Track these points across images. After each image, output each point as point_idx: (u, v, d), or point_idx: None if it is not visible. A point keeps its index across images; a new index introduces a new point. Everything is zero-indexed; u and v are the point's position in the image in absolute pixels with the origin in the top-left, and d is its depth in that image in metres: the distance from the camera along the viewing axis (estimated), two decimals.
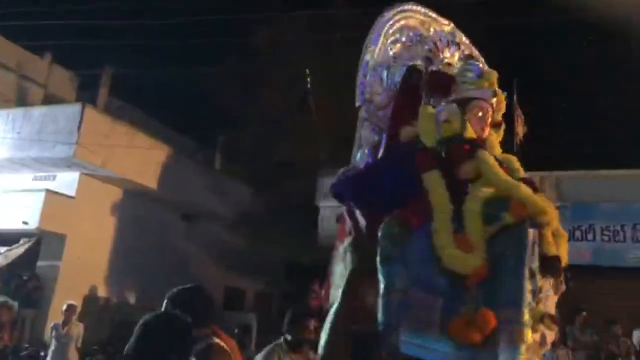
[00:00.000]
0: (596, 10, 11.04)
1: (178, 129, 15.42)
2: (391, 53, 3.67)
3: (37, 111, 11.35)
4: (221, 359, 2.72)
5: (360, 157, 3.48)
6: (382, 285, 2.64)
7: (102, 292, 11.45)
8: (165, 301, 2.82)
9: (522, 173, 3.13)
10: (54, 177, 11.32)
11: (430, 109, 3.18)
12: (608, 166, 10.59)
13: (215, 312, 3.13)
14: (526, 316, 2.58)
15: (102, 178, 11.42)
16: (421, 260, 2.70)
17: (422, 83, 3.43)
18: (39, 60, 14.22)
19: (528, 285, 2.63)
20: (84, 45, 13.77)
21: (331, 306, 2.91)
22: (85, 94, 14.02)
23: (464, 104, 3.19)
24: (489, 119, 3.22)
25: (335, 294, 2.92)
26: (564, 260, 2.83)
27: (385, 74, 3.62)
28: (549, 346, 2.59)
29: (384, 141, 3.42)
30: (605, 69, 14.05)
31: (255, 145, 14.76)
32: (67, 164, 10.80)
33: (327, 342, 2.59)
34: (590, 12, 11.37)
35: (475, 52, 3.80)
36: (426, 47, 3.64)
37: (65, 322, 7.90)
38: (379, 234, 2.79)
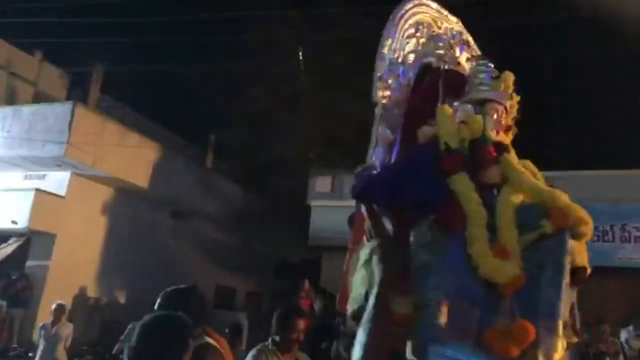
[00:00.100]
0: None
1: (169, 127, 15.36)
2: (407, 48, 3.60)
3: (27, 109, 11.27)
4: (215, 358, 2.70)
5: (375, 155, 3.39)
6: (418, 296, 2.53)
7: (91, 292, 11.39)
8: (158, 300, 2.81)
9: (540, 177, 3.06)
10: (44, 176, 11.25)
11: (449, 109, 3.09)
12: (597, 166, 10.64)
13: (208, 312, 3.11)
14: (561, 328, 2.50)
15: (92, 177, 11.36)
16: (458, 270, 2.59)
17: (438, 82, 3.34)
18: (29, 58, 14.11)
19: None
20: (74, 43, 13.69)
21: (354, 314, 2.84)
22: (76, 92, 13.94)
23: (479, 105, 3.09)
24: (503, 122, 3.14)
25: (356, 299, 2.85)
26: (589, 270, 2.77)
27: (401, 70, 3.56)
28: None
29: (397, 139, 3.34)
30: (596, 68, 14.09)
31: (247, 144, 14.74)
32: (58, 163, 10.73)
33: (364, 357, 2.54)
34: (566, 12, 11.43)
35: (478, 53, 3.75)
36: (440, 44, 3.58)
37: (55, 322, 7.85)
38: (412, 240, 2.67)
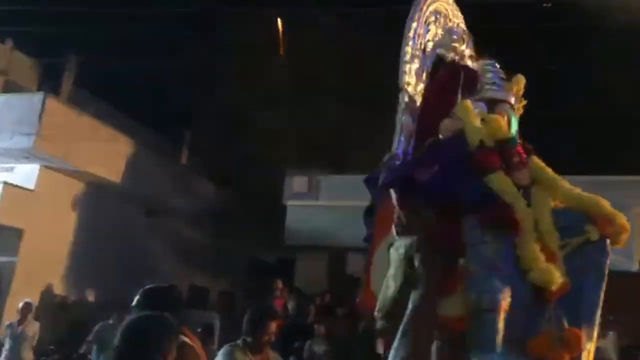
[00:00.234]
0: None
1: (144, 123, 15.11)
2: (427, 36, 3.52)
3: None
4: (192, 358, 2.71)
5: (399, 144, 3.27)
6: (475, 299, 2.44)
7: (59, 290, 11.12)
8: (136, 298, 2.78)
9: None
10: (12, 169, 10.94)
11: (470, 105, 3.02)
12: (582, 172, 10.71)
13: (184, 311, 3.08)
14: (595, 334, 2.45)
15: (63, 171, 11.09)
16: (511, 273, 2.51)
17: (453, 75, 3.26)
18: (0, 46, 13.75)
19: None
20: (48, 33, 13.36)
21: (385, 311, 2.72)
22: (49, 84, 13.60)
23: (491, 104, 3.04)
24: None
25: (386, 296, 2.72)
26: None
27: (422, 57, 3.47)
28: None
29: (415, 130, 3.22)
30: (582, 71, 14.14)
31: (223, 141, 14.59)
32: (26, 155, 10.44)
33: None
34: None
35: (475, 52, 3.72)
36: (454, 36, 3.52)
37: (21, 321, 7.67)
38: (468, 239, 2.57)
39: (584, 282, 2.56)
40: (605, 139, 12.81)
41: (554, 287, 2.49)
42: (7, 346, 7.58)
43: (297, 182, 12.72)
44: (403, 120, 3.26)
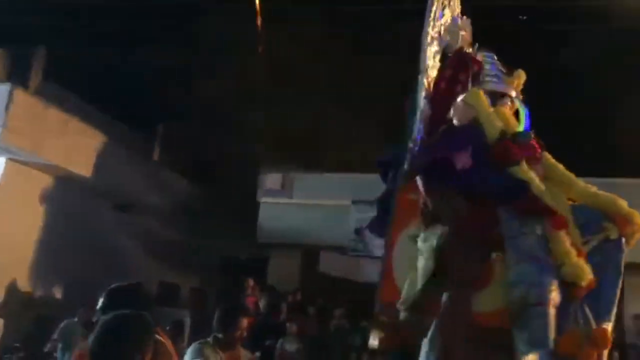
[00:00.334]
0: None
1: (116, 116, 14.84)
2: (442, 20, 3.45)
3: None
4: (165, 358, 2.68)
5: (417, 130, 3.17)
6: (521, 294, 2.40)
7: (25, 286, 10.84)
8: (102, 300, 2.73)
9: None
10: None
11: (483, 94, 2.98)
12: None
13: (153, 309, 3.02)
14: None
15: (30, 164, 10.82)
16: (549, 267, 2.48)
17: (461, 62, 3.20)
18: None
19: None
20: (17, 24, 13.02)
21: (410, 303, 2.63)
22: (17, 75, 13.25)
23: (492, 96, 3.02)
24: None
25: (412, 287, 2.63)
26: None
27: (439, 40, 3.39)
28: None
29: (428, 115, 3.10)
30: (565, 74, 14.28)
31: (197, 137, 14.44)
32: None
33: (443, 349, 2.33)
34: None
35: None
36: (459, 22, 3.47)
37: None
38: (508, 231, 2.53)
39: (603, 279, 2.57)
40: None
41: (584, 283, 2.48)
42: None
43: (271, 180, 12.68)
44: (421, 105, 3.14)
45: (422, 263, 2.68)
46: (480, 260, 2.60)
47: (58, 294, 11.57)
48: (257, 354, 7.95)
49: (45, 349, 8.18)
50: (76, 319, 7.58)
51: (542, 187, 2.72)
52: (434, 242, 2.70)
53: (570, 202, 2.83)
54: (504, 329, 2.45)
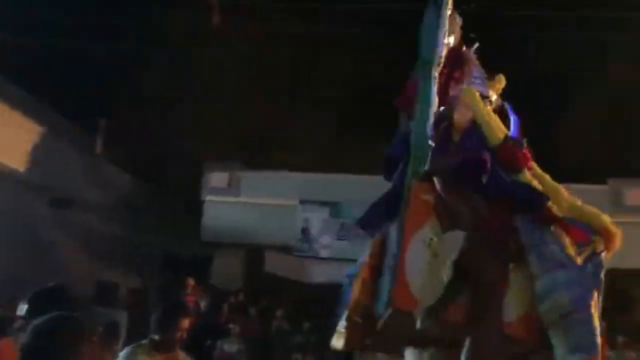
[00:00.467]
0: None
1: (56, 108, 14.30)
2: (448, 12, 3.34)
3: None
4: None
5: (429, 125, 3.00)
6: (553, 303, 2.41)
7: None
8: (25, 308, 2.77)
9: None
10: None
11: (477, 94, 2.93)
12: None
13: (88, 310, 2.90)
14: None
15: None
16: (578, 271, 2.55)
17: (463, 60, 3.10)
18: None
19: None
20: None
21: (423, 309, 2.51)
22: None
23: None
24: None
25: (432, 295, 2.51)
26: None
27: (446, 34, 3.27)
28: None
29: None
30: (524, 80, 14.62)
31: (141, 132, 14.08)
32: None
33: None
34: None
35: None
36: (458, 19, 3.37)
37: None
38: (530, 241, 2.54)
39: None
40: None
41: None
42: None
43: (217, 178, 12.49)
44: (434, 98, 3.01)
45: (441, 268, 2.57)
46: (501, 266, 2.60)
47: None
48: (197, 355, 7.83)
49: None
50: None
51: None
52: (454, 246, 2.60)
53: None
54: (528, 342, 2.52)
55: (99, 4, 13.30)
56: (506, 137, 2.88)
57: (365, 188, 12.82)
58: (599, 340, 2.39)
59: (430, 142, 2.70)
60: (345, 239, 11.84)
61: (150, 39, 13.81)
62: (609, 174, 11.17)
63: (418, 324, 2.49)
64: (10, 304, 7.30)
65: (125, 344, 6.92)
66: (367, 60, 14.09)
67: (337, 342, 2.93)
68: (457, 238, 2.57)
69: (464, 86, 3.05)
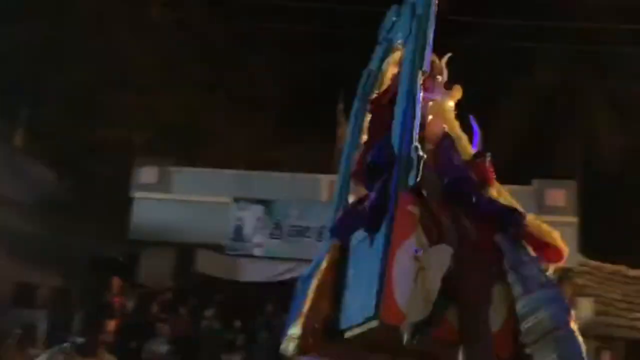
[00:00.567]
0: None
1: None
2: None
3: None
4: None
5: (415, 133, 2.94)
6: (538, 322, 2.47)
7: None
8: None
9: None
10: None
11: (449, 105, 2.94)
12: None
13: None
14: None
15: None
16: (556, 289, 2.67)
17: (433, 69, 3.06)
18: None
19: None
20: None
21: (410, 324, 2.40)
22: None
23: None
24: None
25: (420, 310, 2.42)
26: None
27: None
28: None
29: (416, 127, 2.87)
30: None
31: (65, 124, 13.48)
32: None
33: None
34: None
35: None
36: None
37: None
38: (511, 261, 2.56)
39: None
40: None
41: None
42: None
43: (147, 173, 12.12)
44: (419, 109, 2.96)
45: (428, 283, 2.52)
46: (486, 283, 2.64)
47: None
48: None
49: None
50: None
51: None
52: (441, 260, 2.57)
53: None
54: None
55: None
56: (477, 152, 2.94)
57: (300, 186, 12.96)
58: (585, 355, 2.50)
59: (420, 153, 2.66)
60: (279, 238, 11.78)
61: (74, 28, 13.25)
62: (534, 175, 11.66)
63: (405, 340, 2.46)
64: None
65: (47, 347, 6.61)
66: (302, 58, 14.10)
67: (289, 346, 2.86)
68: (444, 252, 2.56)
69: (438, 97, 3.06)
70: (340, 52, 13.73)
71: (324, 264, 2.95)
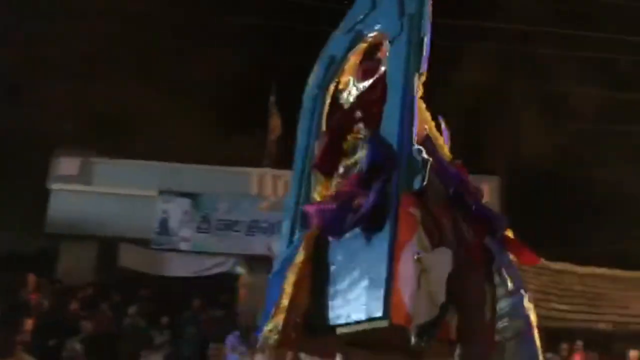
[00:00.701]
0: None
1: None
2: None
3: None
4: None
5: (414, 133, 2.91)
6: (517, 321, 2.62)
7: None
8: None
9: None
10: None
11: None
12: None
13: None
14: None
15: None
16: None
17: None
18: None
19: None
20: None
21: (418, 326, 2.30)
22: None
23: None
24: None
25: (430, 312, 2.32)
26: None
27: None
28: None
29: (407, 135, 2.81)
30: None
31: None
32: None
33: None
34: None
35: None
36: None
37: None
38: (501, 262, 2.68)
39: None
40: None
41: None
42: None
43: (67, 164, 11.62)
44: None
45: (433, 285, 2.49)
46: (483, 285, 2.73)
47: None
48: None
49: None
50: None
51: None
52: (443, 262, 2.55)
53: None
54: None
55: None
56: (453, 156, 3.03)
57: (229, 180, 12.77)
58: (540, 356, 2.69)
59: (425, 156, 2.64)
60: (207, 232, 11.62)
61: (5, 10, 12.47)
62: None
63: (412, 341, 2.46)
64: None
65: None
66: (234, 50, 13.93)
67: (269, 340, 2.78)
68: (445, 254, 2.58)
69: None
70: (272, 45, 13.66)
71: (300, 257, 2.87)
